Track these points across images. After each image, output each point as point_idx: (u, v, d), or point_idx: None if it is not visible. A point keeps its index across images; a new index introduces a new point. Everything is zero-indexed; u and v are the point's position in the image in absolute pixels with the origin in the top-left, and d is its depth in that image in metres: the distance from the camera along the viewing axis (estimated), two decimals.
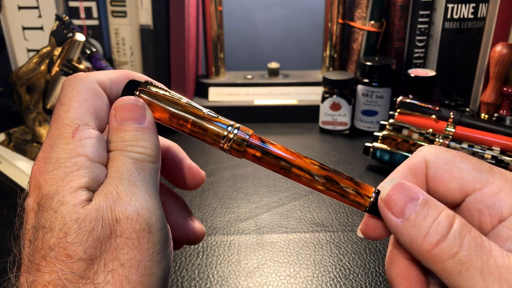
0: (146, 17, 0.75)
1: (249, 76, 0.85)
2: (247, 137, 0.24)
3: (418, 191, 0.22)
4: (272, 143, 0.24)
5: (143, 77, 0.26)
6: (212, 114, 0.24)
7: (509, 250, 0.20)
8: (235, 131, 0.24)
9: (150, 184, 0.22)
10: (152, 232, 0.21)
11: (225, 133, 0.24)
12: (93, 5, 0.75)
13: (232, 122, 0.24)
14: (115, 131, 0.23)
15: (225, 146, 0.24)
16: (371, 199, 0.24)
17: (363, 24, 0.76)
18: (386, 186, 0.22)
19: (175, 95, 0.25)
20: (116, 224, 0.20)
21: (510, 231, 0.20)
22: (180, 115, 0.24)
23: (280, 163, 0.24)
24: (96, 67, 0.64)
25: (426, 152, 0.23)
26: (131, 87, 0.24)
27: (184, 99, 0.25)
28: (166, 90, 0.25)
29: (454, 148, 0.56)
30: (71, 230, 0.19)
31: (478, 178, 0.21)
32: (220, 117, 0.24)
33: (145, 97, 0.24)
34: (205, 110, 0.24)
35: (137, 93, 0.24)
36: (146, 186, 0.22)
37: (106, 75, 0.25)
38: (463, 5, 0.68)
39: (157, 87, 0.25)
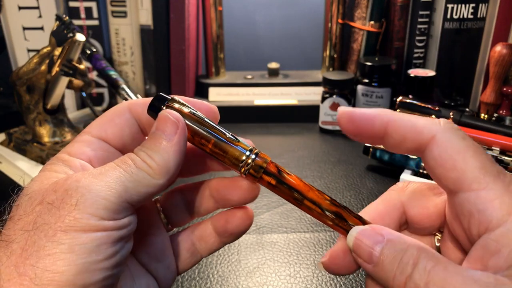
0: (146, 17, 0.75)
1: (249, 76, 0.85)
2: (265, 164, 0.25)
3: (383, 232, 0.22)
4: (288, 173, 0.25)
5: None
6: (234, 138, 0.25)
7: (492, 268, 0.19)
8: (253, 156, 0.25)
9: (117, 183, 0.22)
10: None
11: (244, 157, 0.24)
12: (93, 5, 0.75)
13: (251, 147, 0.25)
14: (148, 136, 0.24)
15: (242, 170, 0.25)
16: None
17: (363, 24, 0.76)
18: (350, 234, 0.23)
19: (201, 115, 0.25)
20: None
21: (497, 244, 0.19)
22: (203, 135, 0.24)
23: (294, 194, 0.25)
24: (96, 67, 0.64)
25: (441, 129, 0.22)
26: (159, 100, 0.25)
27: (209, 120, 0.25)
28: (192, 109, 0.25)
29: None
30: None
31: (479, 179, 0.20)
32: (241, 141, 0.25)
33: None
34: (228, 134, 0.25)
35: (164, 107, 0.24)
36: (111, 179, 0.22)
37: (143, 101, 0.26)
38: (463, 5, 0.68)
39: (184, 104, 0.25)
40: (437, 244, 0.26)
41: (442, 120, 0.22)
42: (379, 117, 0.23)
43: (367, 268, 0.22)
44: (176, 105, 0.24)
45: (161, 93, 0.25)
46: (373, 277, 0.22)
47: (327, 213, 0.24)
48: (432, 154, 0.21)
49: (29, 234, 0.20)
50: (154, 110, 0.24)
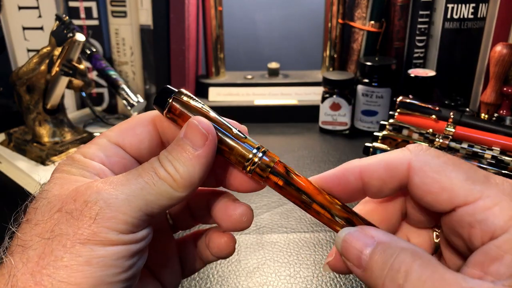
0: (146, 17, 0.75)
1: (249, 76, 0.85)
2: (272, 163, 0.23)
3: (373, 234, 0.21)
4: (296, 174, 0.24)
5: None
6: (241, 134, 0.24)
7: (492, 274, 0.18)
8: (260, 154, 0.23)
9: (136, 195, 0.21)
10: None
11: (251, 155, 0.23)
12: (93, 5, 0.75)
13: (258, 145, 0.24)
14: (174, 141, 0.23)
15: (248, 169, 0.23)
16: None
17: (363, 24, 0.76)
18: (338, 236, 0.22)
19: (208, 109, 0.24)
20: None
21: (500, 250, 0.18)
22: None
23: (302, 196, 0.23)
24: (96, 67, 0.64)
25: (413, 155, 0.21)
26: (165, 93, 0.24)
27: (217, 115, 0.24)
28: (200, 102, 0.24)
29: (454, 148, 0.56)
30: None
31: (471, 190, 0.19)
32: (248, 138, 0.24)
33: (177, 105, 0.23)
34: (234, 130, 0.24)
35: (170, 100, 0.23)
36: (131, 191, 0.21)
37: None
38: (463, 5, 0.68)
39: (191, 97, 0.24)
40: (436, 241, 0.25)
41: (411, 145, 0.22)
42: (350, 170, 0.23)
43: (357, 272, 0.21)
44: (184, 98, 0.24)
45: (167, 86, 0.24)
46: (363, 282, 0.21)
47: (337, 219, 0.23)
48: (416, 184, 0.21)
49: (46, 242, 0.20)
50: (159, 103, 0.23)
